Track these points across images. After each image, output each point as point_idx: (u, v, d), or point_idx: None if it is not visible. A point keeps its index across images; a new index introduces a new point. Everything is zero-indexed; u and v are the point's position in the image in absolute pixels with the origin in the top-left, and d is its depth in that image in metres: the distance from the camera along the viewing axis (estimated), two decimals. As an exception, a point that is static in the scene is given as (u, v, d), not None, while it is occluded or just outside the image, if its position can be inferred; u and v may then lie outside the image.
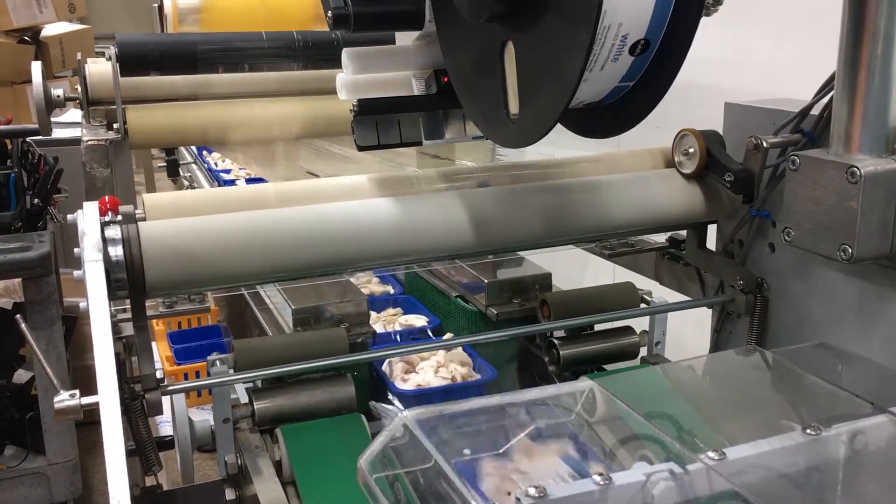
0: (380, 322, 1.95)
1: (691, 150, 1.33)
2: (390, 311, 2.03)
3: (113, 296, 1.04)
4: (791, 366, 1.08)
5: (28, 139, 2.37)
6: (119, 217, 1.08)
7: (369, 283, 2.22)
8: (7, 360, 2.12)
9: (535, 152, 1.22)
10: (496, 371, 1.66)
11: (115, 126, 1.94)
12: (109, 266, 1.03)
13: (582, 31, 0.88)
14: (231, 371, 1.20)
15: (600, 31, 0.92)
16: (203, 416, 1.27)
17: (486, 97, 1.10)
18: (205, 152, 3.50)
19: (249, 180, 3.11)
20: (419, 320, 1.93)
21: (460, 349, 1.72)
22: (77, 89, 2.00)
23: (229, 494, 1.20)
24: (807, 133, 1.21)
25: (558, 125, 0.99)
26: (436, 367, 1.67)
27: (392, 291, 2.17)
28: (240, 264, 1.12)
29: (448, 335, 1.78)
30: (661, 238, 1.53)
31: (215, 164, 3.44)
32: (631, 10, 0.93)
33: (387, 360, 1.68)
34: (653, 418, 0.92)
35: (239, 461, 1.20)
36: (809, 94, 1.21)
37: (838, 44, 1.05)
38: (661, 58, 1.00)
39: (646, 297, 1.46)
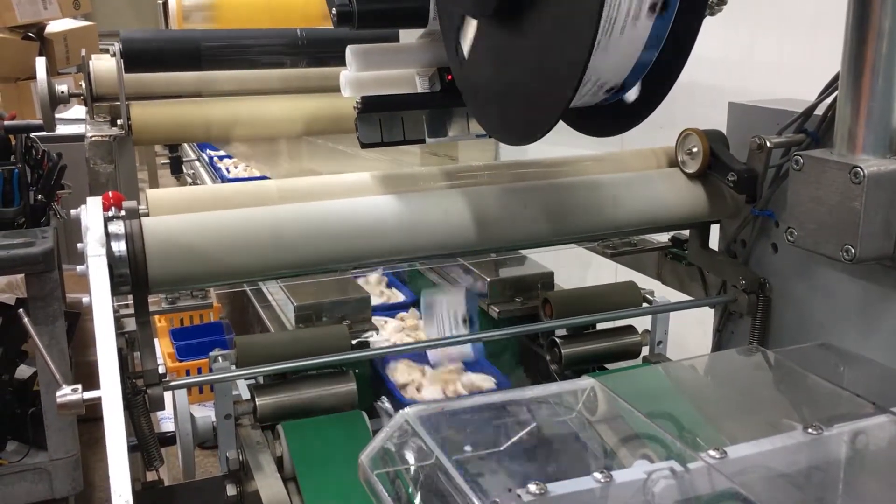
0: (437, 384, 1.64)
1: (695, 150, 1.32)
2: (449, 366, 1.68)
3: (116, 291, 1.04)
4: (793, 366, 1.08)
5: (32, 135, 2.37)
6: (122, 212, 1.08)
7: (416, 330, 1.88)
8: (9, 356, 2.12)
9: (537, 151, 1.22)
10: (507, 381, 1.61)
11: (118, 122, 1.94)
12: (112, 261, 1.03)
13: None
14: (233, 367, 1.20)
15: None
16: (205, 413, 1.27)
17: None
18: (216, 158, 3.44)
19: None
20: (487, 381, 1.62)
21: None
22: (81, 86, 2.01)
23: (230, 490, 1.20)
24: (810, 133, 1.21)
25: (561, 123, 0.99)
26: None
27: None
28: (242, 261, 1.12)
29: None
30: (663, 237, 1.53)
31: (227, 169, 3.34)
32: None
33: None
34: (654, 417, 0.92)
35: (240, 457, 1.20)
36: (813, 95, 1.21)
37: (843, 44, 1.04)
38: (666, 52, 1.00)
39: (648, 296, 1.46)
